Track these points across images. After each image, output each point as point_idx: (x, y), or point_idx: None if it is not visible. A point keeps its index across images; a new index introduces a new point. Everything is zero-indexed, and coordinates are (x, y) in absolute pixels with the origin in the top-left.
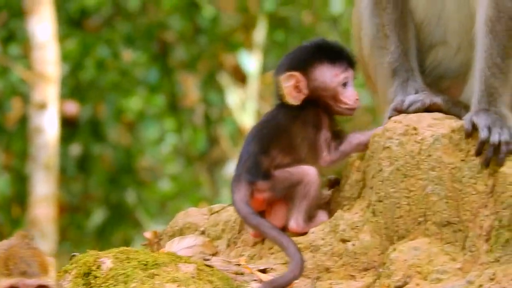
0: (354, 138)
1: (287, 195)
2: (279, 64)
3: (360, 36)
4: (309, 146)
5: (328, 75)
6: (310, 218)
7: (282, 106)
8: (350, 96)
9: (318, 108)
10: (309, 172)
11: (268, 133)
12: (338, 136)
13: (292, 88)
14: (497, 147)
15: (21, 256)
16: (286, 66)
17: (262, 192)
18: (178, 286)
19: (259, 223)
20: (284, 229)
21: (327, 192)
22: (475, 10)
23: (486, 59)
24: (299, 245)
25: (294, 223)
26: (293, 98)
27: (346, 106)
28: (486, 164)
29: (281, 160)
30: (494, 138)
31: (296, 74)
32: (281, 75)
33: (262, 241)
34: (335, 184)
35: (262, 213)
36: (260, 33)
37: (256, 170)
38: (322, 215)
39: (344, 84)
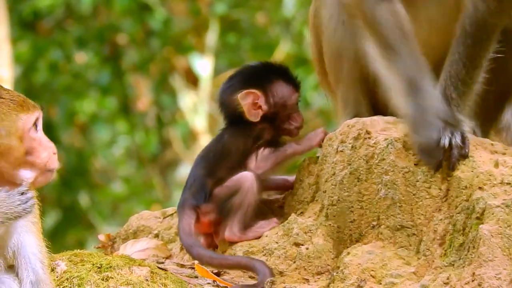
0: (289, 147)
1: (227, 209)
2: (229, 85)
3: (322, 39)
4: (246, 157)
5: (286, 92)
6: (246, 227)
7: (228, 127)
8: (300, 115)
9: (264, 124)
10: (246, 178)
11: (214, 155)
12: (274, 145)
13: (251, 105)
14: (448, 151)
15: None
16: (241, 84)
17: (207, 215)
18: None
19: (200, 254)
20: None
21: (278, 196)
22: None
23: (446, 69)
24: (252, 249)
25: (228, 232)
26: (252, 116)
27: (296, 125)
28: (436, 168)
29: (226, 178)
30: (444, 141)
31: (254, 91)
32: (235, 94)
33: (216, 245)
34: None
35: (210, 235)
36: (212, 36)
37: (200, 193)
38: (264, 225)
39: (296, 104)
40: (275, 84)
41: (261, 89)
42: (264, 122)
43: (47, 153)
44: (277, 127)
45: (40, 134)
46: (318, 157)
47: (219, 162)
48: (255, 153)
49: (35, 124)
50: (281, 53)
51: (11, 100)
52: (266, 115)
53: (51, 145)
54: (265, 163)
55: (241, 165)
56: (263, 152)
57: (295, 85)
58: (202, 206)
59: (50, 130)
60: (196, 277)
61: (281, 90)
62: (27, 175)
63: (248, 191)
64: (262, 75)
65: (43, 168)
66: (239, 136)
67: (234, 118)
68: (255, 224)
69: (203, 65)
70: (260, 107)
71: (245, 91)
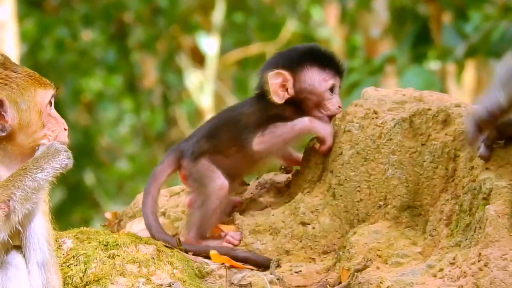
0: (299, 122)
1: (196, 188)
2: (269, 61)
3: None
4: (252, 134)
5: (317, 79)
6: (203, 235)
7: (254, 99)
8: (335, 103)
9: (288, 108)
10: (217, 182)
11: (223, 120)
12: (284, 120)
13: (278, 86)
14: None
15: None
16: (275, 63)
17: (183, 170)
18: (138, 267)
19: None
20: None
21: (285, 176)
22: None
23: None
24: (258, 228)
25: (187, 236)
26: (277, 97)
27: (328, 113)
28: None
29: (224, 148)
30: None
31: (284, 73)
32: (268, 71)
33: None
34: (289, 171)
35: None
36: (218, 15)
37: (190, 149)
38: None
39: (331, 90)
40: (307, 70)
41: (292, 72)
42: (289, 105)
43: (59, 128)
44: (304, 113)
45: (54, 111)
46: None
47: (223, 128)
48: (262, 128)
49: (50, 101)
50: (287, 32)
51: (28, 75)
52: (292, 99)
53: (63, 121)
54: (271, 137)
55: (243, 143)
56: (271, 126)
57: (333, 72)
58: (184, 161)
59: (56, 108)
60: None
61: (312, 76)
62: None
63: (213, 195)
64: (298, 58)
65: (53, 140)
66: (257, 112)
67: (261, 93)
68: (220, 235)
69: (209, 43)
70: (287, 90)
71: (276, 71)
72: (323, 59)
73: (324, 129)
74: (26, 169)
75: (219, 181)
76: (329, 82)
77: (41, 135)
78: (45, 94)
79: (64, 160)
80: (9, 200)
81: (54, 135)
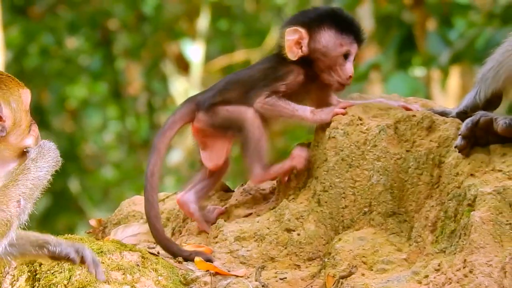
0: (302, 110)
1: (226, 132)
2: (290, 17)
3: None
4: (256, 89)
5: (332, 41)
6: (267, 163)
7: (274, 55)
8: (346, 70)
9: (298, 67)
10: (247, 114)
11: (238, 74)
12: (293, 98)
13: (293, 43)
14: None
15: None
16: (295, 20)
17: (198, 122)
18: (123, 274)
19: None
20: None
21: (270, 182)
22: None
23: None
24: (244, 234)
25: (253, 175)
26: (291, 53)
27: (338, 79)
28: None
29: (235, 101)
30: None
31: (301, 30)
32: (287, 27)
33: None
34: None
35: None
36: (203, 22)
37: (206, 101)
38: (282, 166)
39: (345, 57)
40: (324, 31)
41: (309, 30)
42: (301, 65)
43: (36, 128)
44: (315, 75)
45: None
46: (310, 143)
47: (237, 83)
48: (271, 92)
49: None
50: (272, 39)
51: (9, 77)
52: (304, 58)
53: (32, 119)
54: (271, 107)
55: (249, 98)
56: (278, 97)
57: (351, 38)
58: (198, 114)
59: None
60: (187, 262)
61: (327, 38)
62: (28, 142)
63: (252, 125)
64: (317, 18)
65: (37, 140)
66: (268, 68)
67: (278, 50)
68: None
69: (194, 50)
70: (301, 47)
71: (294, 27)
72: (343, 23)
73: (324, 113)
74: (30, 168)
75: (250, 111)
76: (344, 47)
77: (26, 134)
78: (27, 94)
79: (58, 157)
80: (20, 199)
81: (36, 134)
